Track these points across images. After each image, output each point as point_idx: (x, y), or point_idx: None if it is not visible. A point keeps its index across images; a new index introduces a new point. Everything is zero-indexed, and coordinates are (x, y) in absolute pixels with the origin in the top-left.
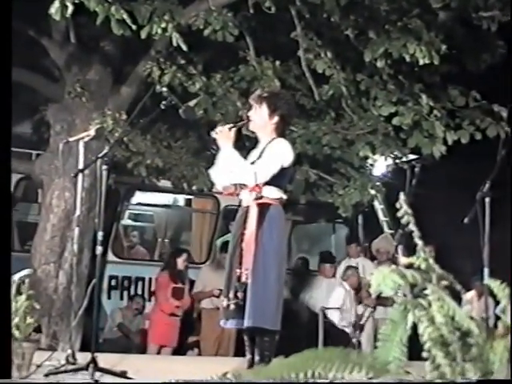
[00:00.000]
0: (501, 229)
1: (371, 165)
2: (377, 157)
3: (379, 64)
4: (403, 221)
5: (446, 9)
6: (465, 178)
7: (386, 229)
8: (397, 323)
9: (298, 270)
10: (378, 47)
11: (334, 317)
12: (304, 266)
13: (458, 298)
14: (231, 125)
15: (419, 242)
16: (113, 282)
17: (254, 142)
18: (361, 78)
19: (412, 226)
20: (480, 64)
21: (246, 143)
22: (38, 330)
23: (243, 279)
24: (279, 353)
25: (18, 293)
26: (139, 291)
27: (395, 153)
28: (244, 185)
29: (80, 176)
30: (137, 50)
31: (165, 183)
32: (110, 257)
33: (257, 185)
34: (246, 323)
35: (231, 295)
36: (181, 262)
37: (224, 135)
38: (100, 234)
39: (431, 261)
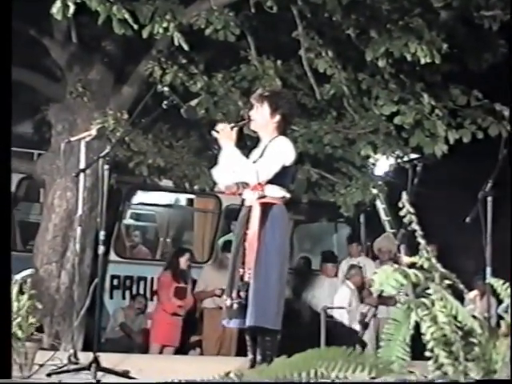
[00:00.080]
0: (503, 228)
1: (373, 164)
2: (378, 156)
3: (381, 63)
4: (405, 220)
5: (447, 8)
6: (467, 177)
7: (387, 228)
8: (400, 323)
9: (300, 270)
10: (380, 46)
11: (343, 316)
12: (306, 265)
13: (460, 298)
14: (233, 124)
15: (421, 242)
16: (115, 282)
17: (255, 141)
18: (362, 78)
19: (414, 226)
20: (481, 63)
21: (247, 142)
22: (40, 329)
23: (246, 279)
24: (282, 352)
25: (20, 292)
26: (141, 291)
27: (397, 152)
28: (246, 184)
29: (82, 176)
30: (138, 50)
31: (166, 183)
32: (112, 256)
33: (259, 183)
34: (248, 322)
35: (234, 295)
36: (183, 261)
37: (226, 134)
38: (102, 234)
39: (434, 260)
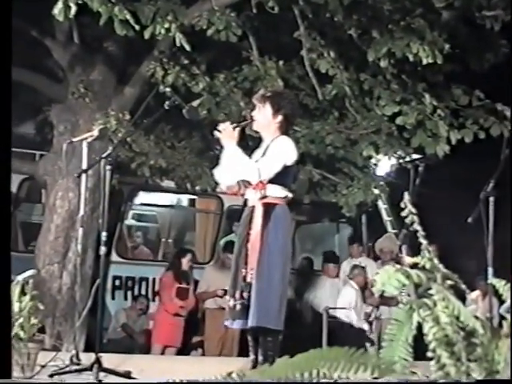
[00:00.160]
0: (505, 228)
1: (375, 164)
2: (380, 156)
3: (382, 63)
4: (407, 220)
5: (449, 8)
6: (468, 177)
7: (389, 228)
8: (402, 323)
9: (302, 270)
10: (382, 47)
11: (352, 316)
12: (308, 265)
13: (462, 298)
14: (235, 124)
15: (423, 242)
16: (117, 283)
17: (257, 142)
18: (364, 78)
19: (416, 226)
20: (483, 63)
21: (249, 143)
22: (42, 330)
23: (249, 279)
24: (284, 353)
25: (23, 293)
26: (143, 291)
27: (399, 152)
28: (248, 182)
29: (83, 176)
30: (140, 51)
31: (168, 183)
32: (114, 257)
33: (261, 182)
34: (250, 323)
35: (237, 295)
36: (185, 262)
37: (228, 134)
38: (104, 235)
39: (436, 260)
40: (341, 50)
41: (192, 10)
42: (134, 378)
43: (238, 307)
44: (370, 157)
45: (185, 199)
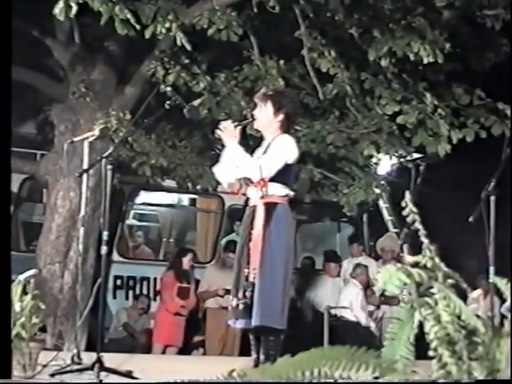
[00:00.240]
0: (506, 227)
1: (376, 164)
2: (381, 156)
3: (383, 63)
4: (409, 219)
5: (449, 7)
6: (470, 176)
7: (390, 228)
8: (404, 322)
9: (304, 270)
10: (382, 46)
11: (360, 315)
12: (310, 265)
13: (464, 297)
14: (236, 123)
15: (425, 241)
16: (118, 282)
17: (258, 141)
18: (365, 77)
19: (417, 225)
20: (484, 62)
21: (250, 142)
22: (43, 329)
23: (251, 279)
24: (286, 352)
25: (24, 293)
26: (144, 291)
27: (400, 152)
28: (249, 180)
29: (85, 176)
30: (141, 50)
31: (169, 183)
32: (115, 257)
33: (262, 179)
34: (254, 322)
35: (240, 295)
36: (186, 261)
37: (229, 132)
38: (105, 234)
39: (437, 259)
40: (342, 49)
41: (193, 10)
42: (135, 378)
43: (241, 307)
44: (371, 156)
45: (186, 199)
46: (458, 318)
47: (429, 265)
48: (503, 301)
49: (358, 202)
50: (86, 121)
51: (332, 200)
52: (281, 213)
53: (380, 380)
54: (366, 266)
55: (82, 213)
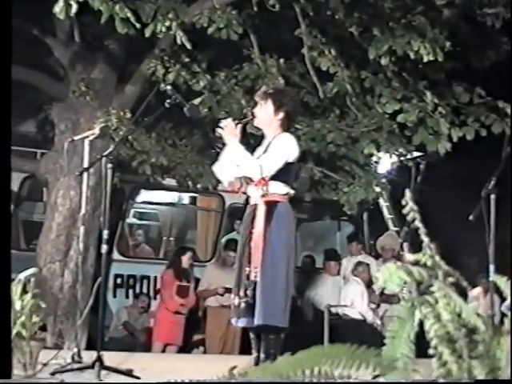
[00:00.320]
0: (506, 226)
1: (376, 162)
2: (381, 154)
3: (383, 61)
4: (409, 218)
5: (450, 6)
6: (470, 174)
7: (391, 226)
8: (404, 320)
9: (304, 268)
10: (383, 44)
11: (367, 313)
12: (310, 263)
13: (464, 295)
14: (237, 121)
15: (425, 239)
16: (118, 281)
17: (259, 139)
18: (365, 76)
19: (418, 223)
20: (484, 61)
21: (250, 141)
22: (43, 328)
23: (252, 277)
24: (287, 351)
25: (24, 291)
26: (144, 289)
27: (400, 150)
28: (250, 179)
29: (85, 175)
30: (141, 49)
31: (170, 181)
32: (116, 255)
33: (263, 178)
34: (256, 321)
35: (242, 293)
36: (186, 260)
37: (230, 131)
38: (105, 233)
39: (437, 258)
40: (342, 47)
41: (193, 8)
42: (135, 377)
43: (243, 305)
44: (371, 155)
45: (186, 197)
46: (459, 316)
47: (429, 263)
48: (503, 299)
49: (359, 201)
50: (87, 119)
51: (332, 198)
52: (282, 211)
53: (381, 379)
54: (367, 264)
55: (83, 211)
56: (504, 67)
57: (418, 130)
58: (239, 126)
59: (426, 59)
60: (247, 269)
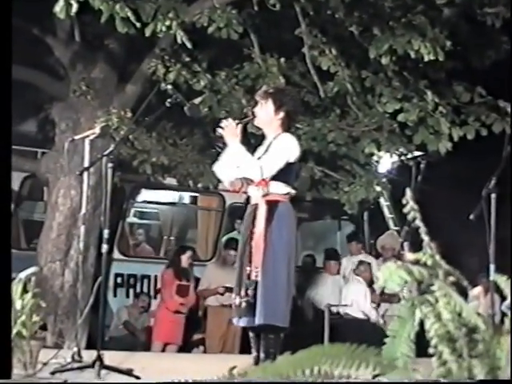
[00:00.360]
0: (507, 225)
1: (376, 162)
2: (382, 153)
3: (384, 61)
4: (409, 217)
5: (450, 5)
6: (470, 174)
7: (391, 225)
8: (404, 319)
9: (305, 268)
10: (383, 44)
11: (371, 312)
12: (311, 263)
13: (464, 294)
14: (237, 121)
15: (425, 238)
16: (118, 280)
17: (259, 139)
18: (366, 75)
19: (418, 222)
20: (485, 60)
21: (251, 140)
22: (43, 327)
23: (253, 277)
24: (287, 350)
25: (24, 291)
26: (145, 289)
27: (400, 149)
28: (251, 180)
29: (85, 174)
30: (141, 48)
31: (170, 181)
32: (116, 255)
33: (263, 179)
34: (258, 321)
35: (243, 293)
36: (185, 259)
37: (231, 131)
38: (106, 232)
39: (438, 257)
40: (342, 47)
41: (193, 8)
42: (135, 376)
43: (244, 305)
44: (372, 154)
45: (187, 197)
46: (459, 315)
47: (429, 262)
48: (503, 298)
49: (359, 200)
50: (87, 119)
51: (333, 198)
52: (283, 211)
53: (381, 379)
54: (369, 263)
55: (83, 211)
56: (504, 66)
57: (419, 130)
58: (240, 126)
59: (426, 58)
60: (248, 268)
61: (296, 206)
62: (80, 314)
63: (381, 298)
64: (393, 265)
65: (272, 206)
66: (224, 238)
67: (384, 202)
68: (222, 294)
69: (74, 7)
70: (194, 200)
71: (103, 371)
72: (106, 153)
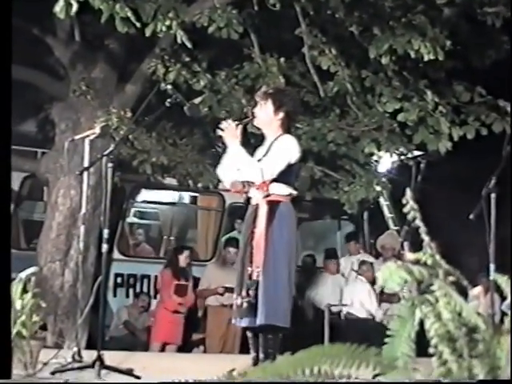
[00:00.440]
0: (507, 225)
1: (376, 161)
2: (382, 153)
3: (384, 60)
4: (409, 217)
5: (450, 5)
6: (470, 173)
7: (391, 225)
8: (405, 319)
9: (305, 267)
10: (383, 44)
11: (377, 311)
12: (311, 263)
13: (464, 294)
14: (237, 122)
15: (425, 238)
16: (118, 280)
17: (259, 139)
18: (366, 75)
19: (418, 222)
20: (485, 60)
21: (251, 140)
22: (43, 327)
23: (254, 277)
24: (288, 350)
25: (24, 291)
26: (145, 289)
27: (400, 149)
28: (252, 182)
29: (85, 174)
30: (141, 48)
31: (170, 181)
32: (116, 255)
33: (264, 182)
34: (259, 321)
35: (244, 293)
36: (183, 259)
37: (230, 132)
38: (106, 232)
39: (438, 257)
40: (342, 47)
41: (193, 8)
42: (136, 376)
43: (245, 305)
44: (372, 154)
45: (186, 196)
46: (459, 315)
47: (429, 262)
48: (504, 298)
49: (359, 200)
50: (87, 119)
51: (333, 198)
52: (284, 211)
53: (382, 379)
54: (371, 263)
55: (83, 211)
56: (504, 66)
57: (419, 129)
58: (239, 126)
59: (426, 58)
60: (249, 268)
61: (296, 205)
62: (80, 313)
63: (381, 298)
64: (393, 264)
65: (273, 206)
66: (224, 238)
67: (384, 202)
68: (221, 294)
69: (74, 7)
70: (194, 200)
71: (103, 371)
72: (105, 153)
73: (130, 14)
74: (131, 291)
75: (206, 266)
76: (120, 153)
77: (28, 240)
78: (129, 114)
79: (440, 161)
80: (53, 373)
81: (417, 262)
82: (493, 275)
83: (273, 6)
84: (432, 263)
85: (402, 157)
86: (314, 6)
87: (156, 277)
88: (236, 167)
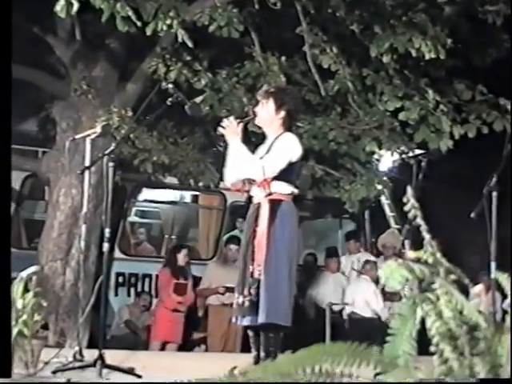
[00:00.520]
0: (508, 223)
1: (377, 160)
2: (383, 152)
3: (385, 59)
4: (410, 215)
5: (451, 3)
6: (471, 172)
7: (392, 224)
8: (406, 317)
9: (307, 266)
10: (384, 42)
11: (382, 310)
12: (313, 261)
13: (465, 292)
14: (238, 120)
15: (426, 236)
16: (120, 279)
17: (261, 137)
18: (367, 73)
19: (419, 220)
20: (486, 58)
21: (252, 139)
22: (45, 327)
23: (256, 275)
24: (289, 349)
25: (26, 290)
26: (146, 288)
27: (401, 148)
28: (253, 180)
29: (86, 173)
30: (142, 47)
31: (171, 180)
32: (117, 254)
33: (265, 180)
34: (260, 320)
35: (245, 292)
36: (181, 257)
37: (232, 130)
38: (107, 231)
39: (439, 255)
40: (343, 45)
41: (194, 7)
42: (137, 375)
43: (247, 304)
44: (373, 152)
45: (188, 195)
46: (460, 313)
47: (430, 260)
48: (505, 296)
49: (360, 199)
50: (88, 118)
51: (334, 196)
52: (285, 210)
53: (383, 380)
54: (375, 262)
55: (84, 210)
56: (505, 64)
57: (420, 128)
58: (241, 124)
59: (427, 57)
60: (251, 267)
61: (297, 204)
62: (81, 312)
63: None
64: (394, 263)
65: (275, 204)
66: (225, 237)
67: (385, 201)
68: (222, 294)
69: (75, 6)
70: (195, 199)
71: (105, 370)
72: (106, 152)
73: (130, 13)
74: (132, 290)
75: (208, 264)
76: (121, 152)
77: (29, 239)
78: (130, 113)
79: (441, 159)
80: (54, 372)
81: (418, 261)
82: (494, 273)
83: (273, 4)
84: (433, 261)
85: (403, 155)
86: (315, 4)
87: (157, 276)
88: (237, 165)
